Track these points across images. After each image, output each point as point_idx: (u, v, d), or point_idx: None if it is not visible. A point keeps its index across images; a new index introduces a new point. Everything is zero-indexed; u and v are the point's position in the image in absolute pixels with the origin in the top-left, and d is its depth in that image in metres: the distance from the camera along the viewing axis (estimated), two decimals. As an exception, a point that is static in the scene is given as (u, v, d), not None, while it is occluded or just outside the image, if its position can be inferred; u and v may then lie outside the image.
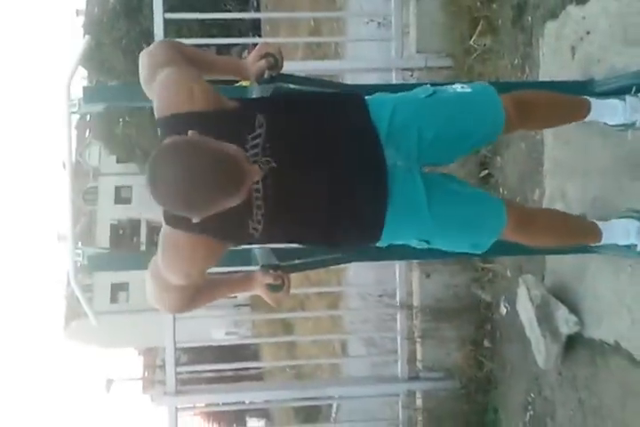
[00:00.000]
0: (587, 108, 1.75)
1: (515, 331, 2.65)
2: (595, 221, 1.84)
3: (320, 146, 1.47)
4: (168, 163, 1.21)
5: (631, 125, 1.78)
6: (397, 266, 3.13)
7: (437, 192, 1.55)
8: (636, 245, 1.78)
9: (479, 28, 2.92)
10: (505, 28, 2.79)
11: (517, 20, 2.65)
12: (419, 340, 3.15)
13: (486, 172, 2.98)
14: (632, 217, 1.82)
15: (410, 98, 1.57)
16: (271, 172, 1.40)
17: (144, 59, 1.48)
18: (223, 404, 3.59)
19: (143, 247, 20.29)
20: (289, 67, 3.31)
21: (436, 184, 1.57)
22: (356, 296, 4.41)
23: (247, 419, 18.61)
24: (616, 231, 1.80)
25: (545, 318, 2.27)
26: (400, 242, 1.63)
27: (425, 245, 1.61)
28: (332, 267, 3.65)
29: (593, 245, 1.83)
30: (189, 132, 1.25)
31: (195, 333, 4.21)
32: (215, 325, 13.97)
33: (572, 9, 2.19)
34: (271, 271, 1.55)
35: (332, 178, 1.47)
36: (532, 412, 2.58)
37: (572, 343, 2.22)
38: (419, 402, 3.21)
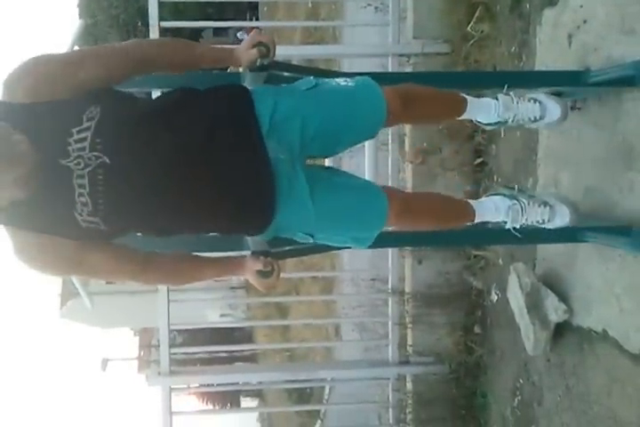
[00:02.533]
0: (463, 107, 1.76)
1: (505, 318, 2.68)
2: (468, 200, 1.88)
3: (187, 140, 1.41)
4: None
5: (503, 123, 1.82)
6: (390, 252, 3.15)
7: (319, 185, 1.55)
8: (505, 222, 1.84)
9: (477, 14, 2.90)
10: (503, 15, 2.77)
11: (515, 7, 2.63)
12: (410, 325, 3.18)
13: (480, 159, 2.99)
14: (504, 195, 1.88)
15: (291, 90, 1.56)
16: (102, 167, 1.35)
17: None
18: (217, 385, 3.63)
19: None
20: (286, 51, 3.34)
21: (318, 177, 1.57)
22: (349, 281, 4.45)
23: (241, 398, 18.80)
24: (487, 208, 1.84)
25: (534, 306, 2.29)
26: (285, 236, 1.62)
27: (310, 240, 1.60)
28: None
29: (469, 223, 1.86)
30: None
31: (189, 314, 4.24)
32: (210, 307, 14.04)
33: (570, -3, 2.18)
34: (261, 258, 1.56)
35: (200, 173, 1.42)
36: (520, 397, 2.62)
37: (561, 331, 2.24)
38: (409, 386, 3.25)
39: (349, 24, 5.83)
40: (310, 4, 7.74)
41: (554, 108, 1.86)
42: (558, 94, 1.91)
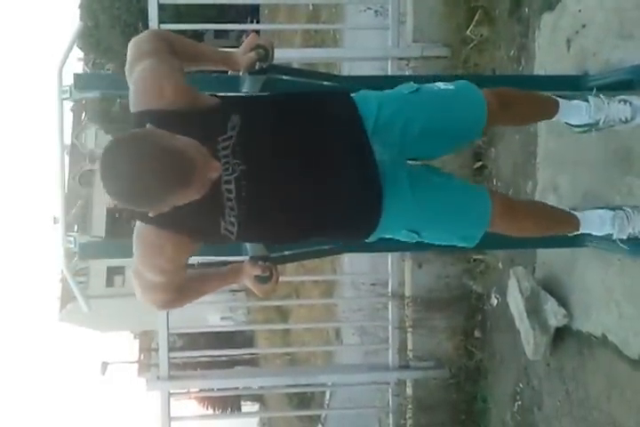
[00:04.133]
0: (556, 108, 1.78)
1: (505, 322, 2.67)
2: (571, 211, 1.87)
3: (304, 148, 1.46)
4: (114, 158, 1.21)
5: (595, 124, 1.80)
6: (390, 256, 3.14)
7: (422, 184, 1.57)
8: (611, 234, 1.81)
9: (476, 18, 2.90)
10: (502, 19, 2.78)
11: (514, 11, 2.64)
12: (410, 329, 3.17)
13: (480, 163, 2.99)
14: (605, 207, 1.86)
15: (394, 94, 1.59)
16: (243, 174, 1.40)
17: (130, 48, 1.46)
18: (216, 389, 3.62)
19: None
20: (286, 54, 3.33)
21: (420, 176, 1.59)
22: (349, 285, 4.44)
23: (242, 403, 18.76)
24: (592, 221, 1.82)
25: (534, 310, 2.29)
26: (389, 236, 1.63)
27: (415, 238, 1.61)
28: (325, 255, 3.67)
29: (571, 234, 1.85)
30: (147, 126, 1.25)
31: (190, 317, 4.23)
32: (211, 310, 14.02)
33: (569, 1, 2.19)
34: (260, 263, 1.56)
35: (319, 179, 1.47)
36: (520, 402, 2.61)
37: (561, 335, 2.24)
38: (409, 391, 3.24)
39: (349, 27, 5.84)
40: (311, 8, 7.76)
41: None
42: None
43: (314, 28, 7.18)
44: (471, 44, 2.93)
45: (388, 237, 1.64)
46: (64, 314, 19.53)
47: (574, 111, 1.79)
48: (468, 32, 2.94)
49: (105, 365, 21.04)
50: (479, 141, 2.97)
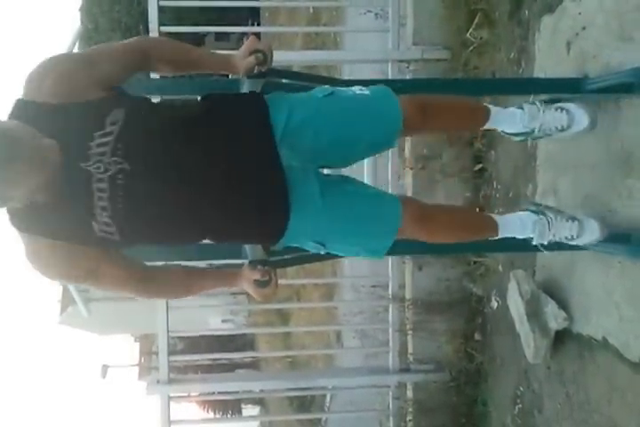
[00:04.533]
0: (485, 115, 1.73)
1: (505, 325, 2.67)
2: (491, 214, 1.85)
3: (201, 148, 1.41)
4: None
5: (530, 133, 1.77)
6: (390, 259, 3.14)
7: (332, 193, 1.54)
8: (532, 238, 1.80)
9: (476, 20, 2.90)
10: (502, 22, 2.78)
11: (514, 14, 2.63)
12: (410, 332, 3.16)
13: (480, 166, 2.98)
14: (529, 210, 1.84)
15: (307, 98, 1.55)
16: (122, 173, 1.34)
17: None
18: (217, 393, 3.61)
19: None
20: (287, 56, 3.33)
21: (331, 185, 1.56)
22: (349, 288, 4.43)
23: (242, 406, 18.73)
24: (513, 225, 1.80)
25: (534, 313, 2.28)
26: (295, 244, 1.60)
27: (321, 249, 1.58)
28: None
29: (490, 239, 1.82)
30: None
31: (191, 320, 4.22)
32: (212, 313, 14.01)
33: (569, 4, 2.18)
34: (259, 267, 1.55)
35: (212, 180, 1.42)
36: (520, 405, 2.60)
37: (561, 338, 2.23)
38: (409, 394, 3.24)
39: (350, 30, 5.85)
40: (311, 11, 7.77)
41: (581, 117, 1.81)
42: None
43: (314, 30, 7.19)
44: (471, 47, 2.93)
45: (295, 246, 1.60)
46: (64, 317, 19.49)
47: (508, 119, 1.75)
48: (468, 35, 2.94)
49: (105, 368, 21.02)
50: (479, 144, 2.97)
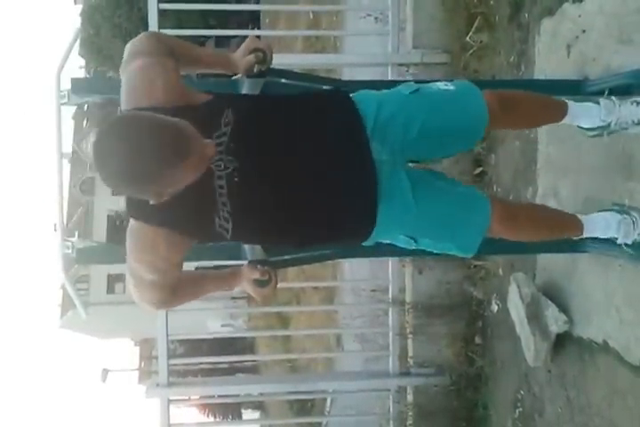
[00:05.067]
0: (564, 110, 1.75)
1: (505, 328, 2.66)
2: (576, 214, 1.84)
3: (301, 146, 1.45)
4: (110, 138, 1.21)
5: (606, 127, 1.78)
6: (390, 262, 3.13)
7: (423, 188, 1.55)
8: (616, 238, 1.79)
9: (476, 24, 2.91)
10: (501, 25, 2.78)
11: (514, 17, 2.64)
12: (410, 336, 3.15)
13: (480, 169, 2.98)
14: (613, 210, 1.83)
15: (394, 94, 1.58)
16: (236, 171, 1.40)
17: (126, 49, 1.47)
18: (216, 396, 3.61)
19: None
20: (287, 60, 3.34)
21: (421, 180, 1.57)
22: (350, 291, 4.43)
23: (242, 411, 18.68)
24: (597, 224, 1.80)
25: (535, 317, 2.28)
26: (387, 240, 1.62)
27: (412, 244, 1.60)
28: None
29: (575, 238, 1.83)
30: None
31: (190, 325, 4.21)
32: (211, 317, 13.99)
33: (569, 7, 2.19)
34: (259, 266, 1.55)
35: (314, 179, 1.46)
36: (521, 409, 2.59)
37: (562, 342, 2.22)
38: (409, 397, 3.22)
39: (350, 33, 5.85)
40: (311, 16, 7.78)
41: None
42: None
43: (314, 34, 7.19)
44: (471, 51, 2.93)
45: (386, 241, 1.62)
46: (65, 321, 19.49)
47: (585, 113, 1.76)
48: (467, 38, 2.95)
49: (105, 372, 20.97)
50: (479, 147, 2.97)
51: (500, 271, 2.79)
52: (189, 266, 1.65)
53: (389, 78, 3.02)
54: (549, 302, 2.25)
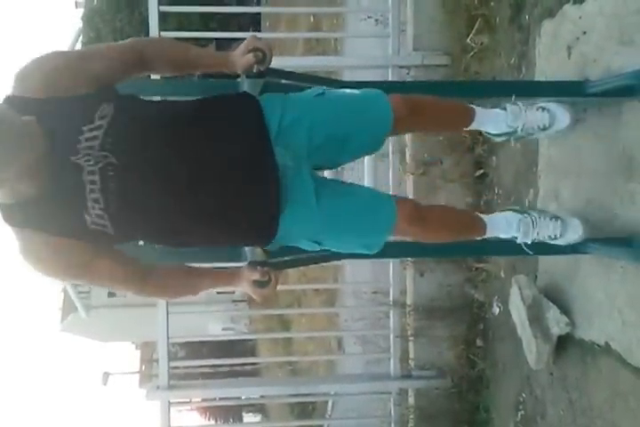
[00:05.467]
0: (471, 116, 1.76)
1: (507, 331, 2.65)
2: (478, 214, 1.88)
3: (193, 145, 1.42)
4: None
5: (513, 133, 1.81)
6: (391, 265, 3.13)
7: (326, 191, 1.55)
8: (516, 238, 1.83)
9: (476, 26, 2.91)
10: (502, 27, 2.78)
11: (515, 19, 2.63)
12: (411, 338, 3.14)
13: (481, 171, 2.98)
14: (512, 210, 1.87)
15: (300, 97, 1.57)
16: (111, 166, 1.35)
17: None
18: (218, 399, 3.60)
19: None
20: (287, 62, 3.34)
21: (325, 184, 1.58)
22: (351, 294, 4.42)
23: (243, 414, 18.66)
24: (499, 224, 1.83)
25: (536, 319, 2.27)
26: (291, 244, 1.60)
27: (317, 247, 1.59)
28: (328, 263, 3.65)
29: (478, 238, 1.85)
30: None
31: (191, 328, 4.20)
32: (212, 320, 13.99)
33: (569, 8, 2.18)
34: (258, 268, 1.54)
35: (204, 178, 1.42)
36: (523, 411, 2.58)
37: (563, 344, 2.21)
38: (411, 400, 3.21)
39: (350, 35, 5.86)
40: (312, 19, 7.79)
41: (562, 116, 1.85)
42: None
43: (315, 36, 7.20)
44: (471, 53, 2.93)
45: (290, 245, 1.60)
46: (65, 324, 19.48)
47: (491, 119, 1.79)
48: (468, 40, 2.94)
49: (106, 375, 20.96)
50: (480, 150, 2.97)
51: (502, 273, 2.79)
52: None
53: (389, 80, 3.02)
54: (551, 304, 2.24)
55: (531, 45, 2.48)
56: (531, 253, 1.85)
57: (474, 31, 2.91)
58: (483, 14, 2.89)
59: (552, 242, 1.85)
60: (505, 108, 1.80)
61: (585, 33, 2.09)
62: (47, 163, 1.32)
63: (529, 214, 1.84)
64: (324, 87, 1.60)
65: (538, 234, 1.81)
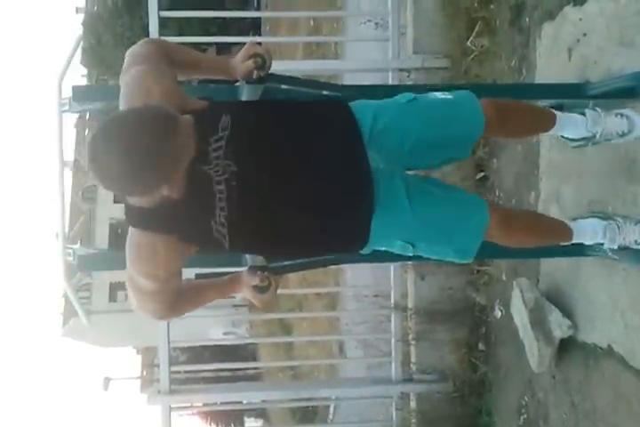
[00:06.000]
0: (554, 121, 1.77)
1: (509, 334, 2.64)
2: (565, 220, 1.86)
3: (296, 152, 1.45)
4: (101, 142, 1.26)
5: (592, 138, 1.81)
6: (392, 268, 3.12)
7: (419, 194, 1.55)
8: (602, 244, 1.82)
9: (476, 28, 2.91)
10: (502, 29, 2.78)
11: (515, 21, 2.63)
12: (413, 342, 3.13)
13: (482, 174, 2.97)
14: (597, 217, 1.86)
15: (391, 103, 1.58)
16: (234, 175, 1.40)
17: (126, 56, 1.48)
18: (218, 404, 3.59)
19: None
20: (287, 66, 3.34)
21: (417, 186, 1.57)
22: (352, 298, 4.41)
23: (245, 419, 18.62)
24: (585, 230, 1.82)
25: (538, 322, 2.26)
26: (383, 247, 1.61)
27: (410, 250, 1.59)
28: (329, 267, 3.63)
29: (564, 244, 1.84)
30: None
31: (192, 332, 4.19)
32: (213, 325, 13.95)
33: (570, 10, 2.18)
34: (258, 273, 1.54)
35: (313, 186, 1.45)
36: (525, 415, 2.57)
37: (566, 347, 2.20)
38: (412, 404, 3.20)
39: (350, 39, 5.86)
40: (312, 23, 7.81)
41: None
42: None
43: (315, 40, 7.21)
44: (472, 55, 2.93)
45: (383, 249, 1.61)
46: (67, 329, 19.45)
47: (571, 124, 1.79)
48: (468, 43, 2.95)
49: (107, 380, 20.91)
50: (481, 152, 2.96)
51: (503, 277, 2.78)
52: (188, 273, 1.64)
53: (390, 84, 3.02)
54: (553, 306, 2.23)
55: (531, 48, 2.48)
56: (616, 257, 1.83)
57: (474, 34, 2.91)
58: (483, 17, 2.89)
59: (637, 247, 1.82)
60: (584, 114, 1.80)
61: (585, 35, 2.09)
62: (189, 171, 1.36)
63: (614, 220, 1.83)
64: (415, 93, 1.60)
65: (624, 239, 1.80)
